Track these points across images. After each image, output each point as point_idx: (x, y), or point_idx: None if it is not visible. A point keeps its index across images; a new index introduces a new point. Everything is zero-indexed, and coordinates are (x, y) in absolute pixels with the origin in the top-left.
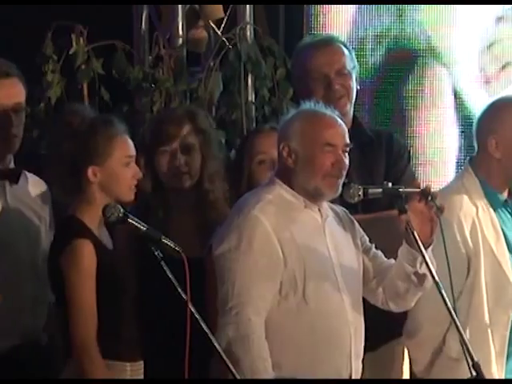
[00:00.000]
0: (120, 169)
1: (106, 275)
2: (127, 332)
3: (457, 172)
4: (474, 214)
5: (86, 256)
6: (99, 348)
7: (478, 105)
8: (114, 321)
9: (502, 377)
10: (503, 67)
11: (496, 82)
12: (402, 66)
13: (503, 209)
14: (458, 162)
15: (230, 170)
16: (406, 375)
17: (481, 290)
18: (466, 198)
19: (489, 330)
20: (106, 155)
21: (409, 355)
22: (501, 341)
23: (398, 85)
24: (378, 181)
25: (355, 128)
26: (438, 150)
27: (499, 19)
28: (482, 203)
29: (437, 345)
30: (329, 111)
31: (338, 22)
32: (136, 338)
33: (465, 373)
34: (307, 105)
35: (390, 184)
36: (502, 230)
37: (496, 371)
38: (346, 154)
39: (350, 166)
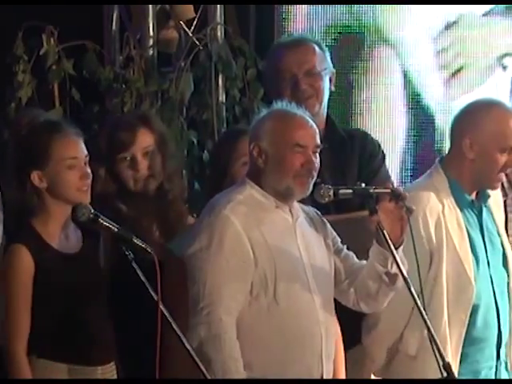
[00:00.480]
0: (63, 172)
1: (60, 280)
2: (95, 335)
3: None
4: (439, 210)
5: (20, 261)
6: (68, 355)
7: (431, 94)
8: (79, 326)
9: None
10: (461, 69)
11: (456, 80)
12: (351, 53)
13: (469, 209)
14: (405, 152)
15: (211, 170)
16: None
17: (442, 286)
18: (433, 194)
19: (447, 328)
20: (47, 158)
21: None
22: (457, 340)
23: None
24: (350, 181)
25: (328, 128)
26: (388, 139)
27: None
28: (449, 201)
29: (394, 341)
30: (300, 111)
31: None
32: (105, 340)
33: (422, 371)
34: (279, 104)
35: (363, 184)
36: (467, 229)
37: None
38: (317, 155)
39: (322, 166)
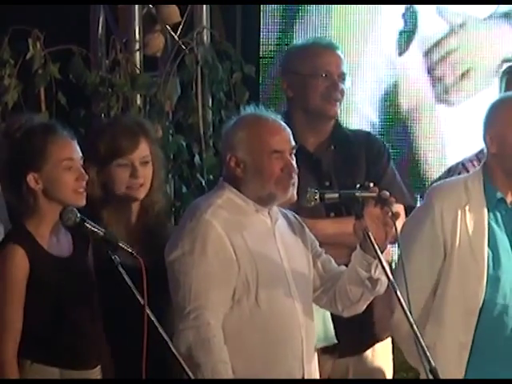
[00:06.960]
0: (60, 173)
1: (53, 284)
2: (87, 339)
3: None
4: (461, 205)
5: (16, 262)
6: (58, 358)
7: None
8: (70, 330)
9: (462, 371)
10: (462, 75)
11: (457, 92)
12: None
13: (499, 208)
14: None
15: None
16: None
17: (451, 280)
18: (458, 190)
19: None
20: (43, 160)
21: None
22: (464, 342)
23: None
24: (359, 181)
25: (335, 129)
26: None
27: (461, 25)
28: (478, 198)
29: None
30: (271, 114)
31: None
32: (95, 344)
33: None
34: (248, 110)
35: (371, 184)
36: (493, 228)
37: (458, 364)
38: (293, 156)
39: (330, 167)
